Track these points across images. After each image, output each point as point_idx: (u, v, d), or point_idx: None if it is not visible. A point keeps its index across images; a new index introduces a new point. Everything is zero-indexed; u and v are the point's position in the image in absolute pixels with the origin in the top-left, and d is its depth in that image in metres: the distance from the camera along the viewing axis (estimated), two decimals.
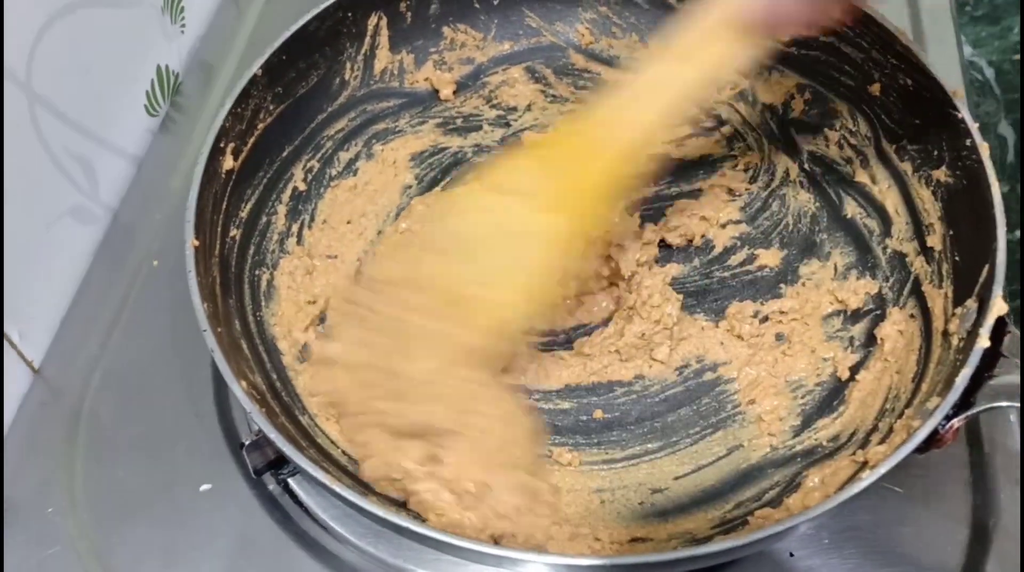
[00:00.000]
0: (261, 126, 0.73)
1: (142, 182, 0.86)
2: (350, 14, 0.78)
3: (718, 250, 0.77)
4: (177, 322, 0.75)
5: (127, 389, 0.73)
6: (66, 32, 0.74)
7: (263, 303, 0.72)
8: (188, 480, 0.68)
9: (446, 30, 0.85)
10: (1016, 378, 0.55)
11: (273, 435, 0.55)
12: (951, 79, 0.66)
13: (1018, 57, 1.38)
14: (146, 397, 0.73)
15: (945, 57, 0.90)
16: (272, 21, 0.98)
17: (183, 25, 0.94)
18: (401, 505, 0.61)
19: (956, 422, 0.55)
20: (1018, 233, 1.21)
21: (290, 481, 0.67)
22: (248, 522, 0.67)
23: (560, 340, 0.73)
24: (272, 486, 0.68)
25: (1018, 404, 0.55)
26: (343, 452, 0.65)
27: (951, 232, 0.66)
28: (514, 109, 0.87)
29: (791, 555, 0.64)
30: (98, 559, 0.65)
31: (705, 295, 0.75)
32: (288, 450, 0.55)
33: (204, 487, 0.68)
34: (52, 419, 0.72)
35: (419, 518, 0.59)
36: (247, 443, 0.60)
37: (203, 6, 0.99)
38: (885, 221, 0.73)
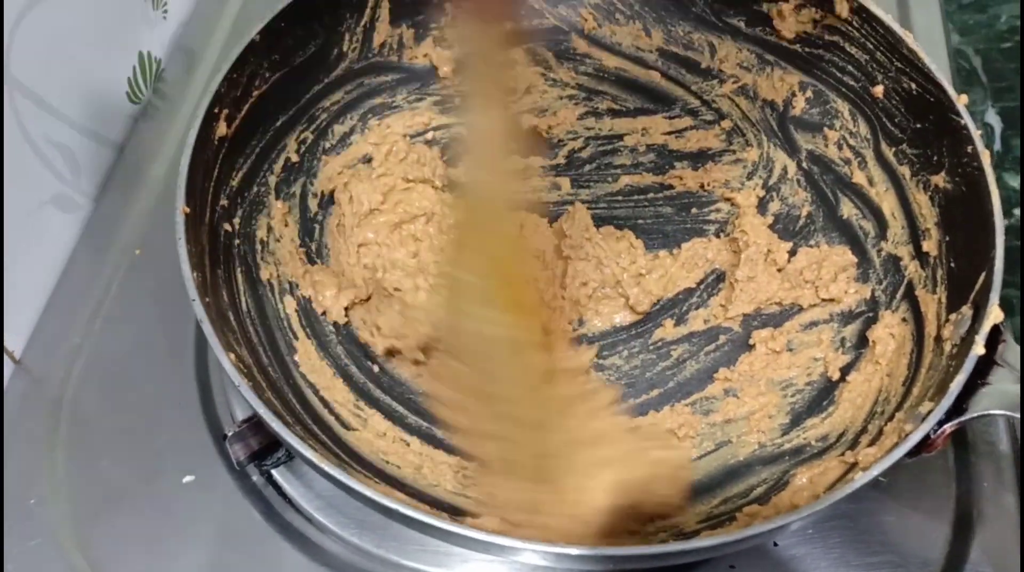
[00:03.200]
0: (256, 93, 0.70)
1: (124, 170, 0.84)
2: None
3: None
4: (160, 312, 0.74)
5: (109, 380, 0.72)
6: (46, 18, 0.72)
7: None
8: (171, 471, 0.68)
9: (448, 6, 0.81)
10: (1013, 388, 0.55)
11: (261, 410, 0.53)
12: (937, 67, 0.66)
13: (1006, 45, 1.37)
14: (128, 388, 0.72)
15: (932, 45, 0.90)
16: (255, 7, 0.96)
17: (165, 11, 0.92)
18: (389, 484, 0.60)
19: (948, 427, 0.55)
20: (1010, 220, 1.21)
21: (273, 472, 0.66)
22: (231, 513, 0.66)
23: None
24: (255, 477, 0.68)
25: (1015, 413, 0.55)
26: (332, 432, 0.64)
27: (947, 238, 0.66)
28: (513, 91, 0.84)
29: (775, 544, 0.64)
30: (81, 550, 0.64)
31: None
32: (276, 425, 0.53)
33: (187, 478, 0.67)
34: (33, 410, 0.71)
35: (409, 498, 0.59)
36: (230, 434, 0.59)
37: None
38: (881, 224, 0.73)
